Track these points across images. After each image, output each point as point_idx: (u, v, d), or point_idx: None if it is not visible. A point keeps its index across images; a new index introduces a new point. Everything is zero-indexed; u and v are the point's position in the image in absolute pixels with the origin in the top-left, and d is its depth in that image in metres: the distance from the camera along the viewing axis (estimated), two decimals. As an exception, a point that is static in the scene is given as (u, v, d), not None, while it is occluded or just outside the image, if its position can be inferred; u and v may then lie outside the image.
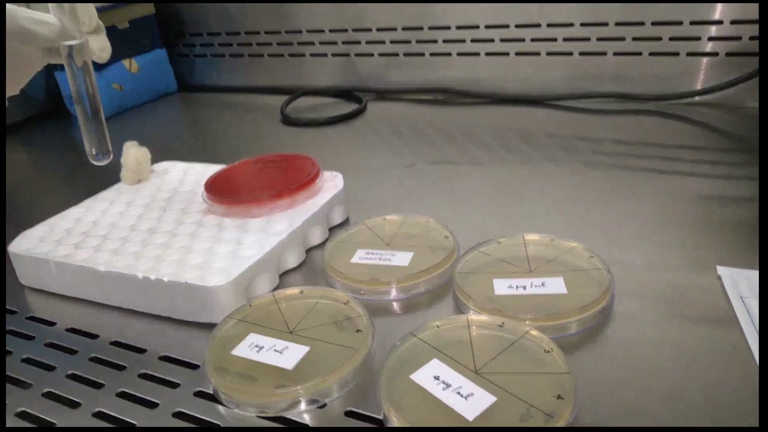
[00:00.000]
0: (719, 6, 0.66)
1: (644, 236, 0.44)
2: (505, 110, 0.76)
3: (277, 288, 0.42)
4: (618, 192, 0.51)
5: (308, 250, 0.46)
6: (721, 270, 0.38)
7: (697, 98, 0.69)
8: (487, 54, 0.79)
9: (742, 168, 0.54)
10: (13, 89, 0.40)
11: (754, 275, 0.37)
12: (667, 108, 0.70)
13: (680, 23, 0.68)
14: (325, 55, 0.91)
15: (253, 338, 0.34)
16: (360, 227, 0.47)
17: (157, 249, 0.42)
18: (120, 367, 0.36)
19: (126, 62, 0.93)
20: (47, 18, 0.35)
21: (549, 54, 0.76)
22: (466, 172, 0.59)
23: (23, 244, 0.46)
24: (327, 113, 0.79)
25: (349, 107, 0.81)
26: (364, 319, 0.35)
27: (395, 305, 0.39)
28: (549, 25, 0.75)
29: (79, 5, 0.37)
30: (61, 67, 0.90)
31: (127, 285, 0.40)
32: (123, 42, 0.93)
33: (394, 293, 0.39)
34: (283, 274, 0.44)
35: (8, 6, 0.34)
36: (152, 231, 0.45)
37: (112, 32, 0.90)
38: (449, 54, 0.82)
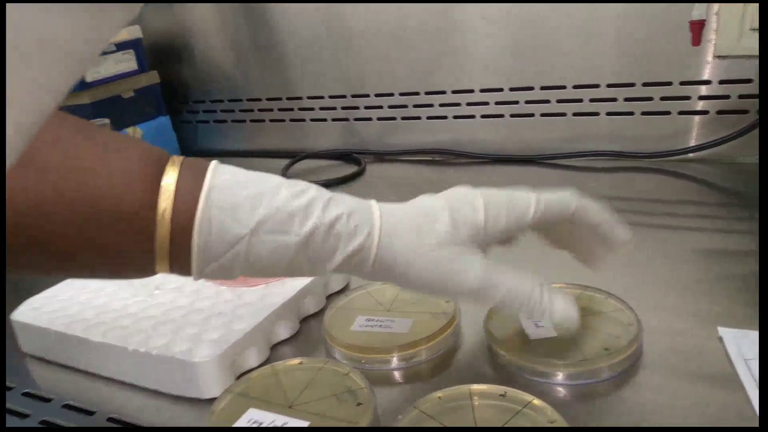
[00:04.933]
0: (708, 67, 0.68)
1: (643, 295, 0.43)
2: (501, 169, 0.77)
3: (268, 360, 0.41)
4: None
5: (304, 320, 0.46)
6: (723, 331, 0.38)
7: (690, 155, 0.70)
8: (482, 116, 0.81)
9: (738, 222, 0.54)
10: None
11: (756, 335, 0.37)
12: (661, 165, 0.71)
13: (670, 84, 0.70)
14: (325, 120, 0.93)
15: (253, 414, 0.34)
16: (360, 293, 0.47)
17: (152, 321, 0.42)
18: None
19: (130, 130, 0.96)
20: None
21: (543, 115, 0.78)
22: (465, 233, 0.59)
23: (26, 313, 0.46)
24: (327, 176, 0.81)
25: (349, 169, 0.83)
26: (365, 392, 0.35)
27: (396, 374, 0.39)
28: (542, 88, 0.77)
29: None
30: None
31: (120, 357, 0.40)
32: (127, 111, 0.96)
33: (395, 362, 0.39)
34: (281, 344, 0.43)
35: None
36: (149, 302, 0.45)
37: (117, 101, 0.94)
38: (445, 117, 0.83)
